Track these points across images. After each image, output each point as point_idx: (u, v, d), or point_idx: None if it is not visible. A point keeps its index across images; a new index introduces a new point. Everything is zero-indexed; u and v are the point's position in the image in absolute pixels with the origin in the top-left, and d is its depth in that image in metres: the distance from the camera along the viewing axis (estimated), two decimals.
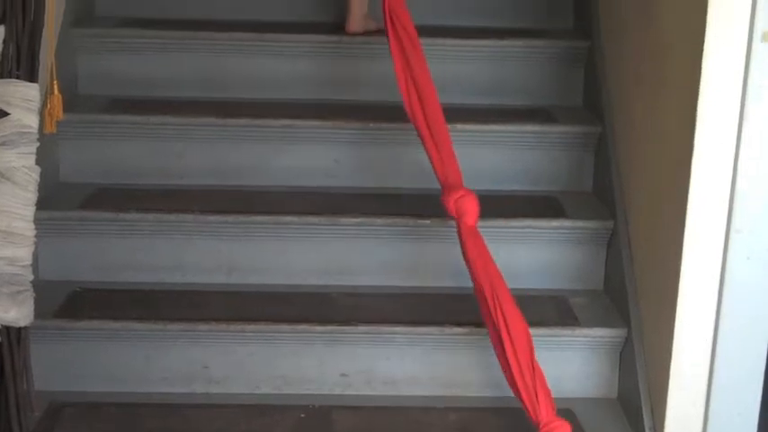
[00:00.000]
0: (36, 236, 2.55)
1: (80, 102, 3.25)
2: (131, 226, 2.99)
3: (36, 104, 2.57)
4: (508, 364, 2.45)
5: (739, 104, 2.38)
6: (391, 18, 2.79)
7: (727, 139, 2.40)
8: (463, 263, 2.69)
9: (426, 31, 3.38)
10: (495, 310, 2.48)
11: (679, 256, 2.49)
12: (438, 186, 2.80)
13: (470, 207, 2.66)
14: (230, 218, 3.00)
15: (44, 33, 2.64)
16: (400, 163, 3.19)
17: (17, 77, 2.54)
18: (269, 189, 3.19)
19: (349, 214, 3.01)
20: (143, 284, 2.99)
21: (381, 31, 2.94)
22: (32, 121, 2.55)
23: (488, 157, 3.25)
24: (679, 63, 2.53)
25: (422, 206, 3.05)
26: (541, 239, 3.05)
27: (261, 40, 3.37)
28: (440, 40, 3.38)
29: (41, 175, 2.58)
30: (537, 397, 2.42)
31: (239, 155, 3.20)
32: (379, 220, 3.00)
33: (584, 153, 3.25)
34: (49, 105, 2.74)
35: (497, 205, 3.11)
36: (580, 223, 3.04)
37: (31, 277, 2.55)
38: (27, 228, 2.53)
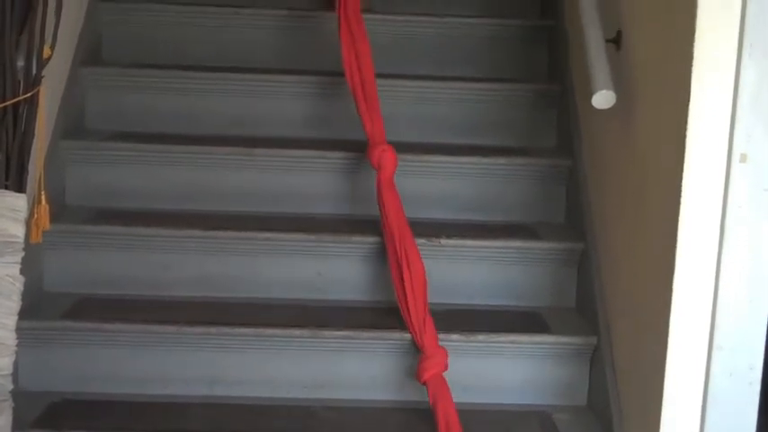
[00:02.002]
0: (17, 345, 2.54)
1: (67, 212, 3.27)
2: (114, 336, 2.98)
3: (23, 214, 2.59)
4: (405, 298, 2.94)
5: (719, 225, 2.41)
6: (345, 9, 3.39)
7: (708, 257, 2.42)
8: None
9: (412, 148, 3.46)
10: (401, 252, 2.99)
11: (662, 373, 2.48)
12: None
13: (389, 161, 3.17)
14: (214, 329, 2.99)
15: (34, 144, 2.68)
16: (384, 277, 3.20)
17: (5, 187, 2.56)
18: (253, 301, 3.19)
19: (332, 327, 3.01)
20: (125, 395, 2.96)
21: None
22: (19, 231, 2.57)
23: (473, 273, 3.26)
24: (659, 183, 2.56)
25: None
26: (525, 355, 3.04)
27: (249, 155, 3.41)
28: (425, 157, 3.43)
29: (25, 284, 2.58)
30: (425, 327, 2.89)
31: (224, 267, 3.22)
32: (364, 334, 3.00)
33: (567, 269, 3.27)
34: (35, 215, 2.76)
35: (481, 320, 3.12)
36: (563, 339, 3.04)
37: (11, 387, 2.53)
38: (8, 337, 2.53)
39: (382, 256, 3.16)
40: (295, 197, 3.43)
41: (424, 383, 2.86)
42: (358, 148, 3.36)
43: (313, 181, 3.42)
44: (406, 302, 2.93)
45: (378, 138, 3.22)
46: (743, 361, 2.46)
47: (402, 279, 2.96)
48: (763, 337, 2.45)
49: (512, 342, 3.03)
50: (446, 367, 2.88)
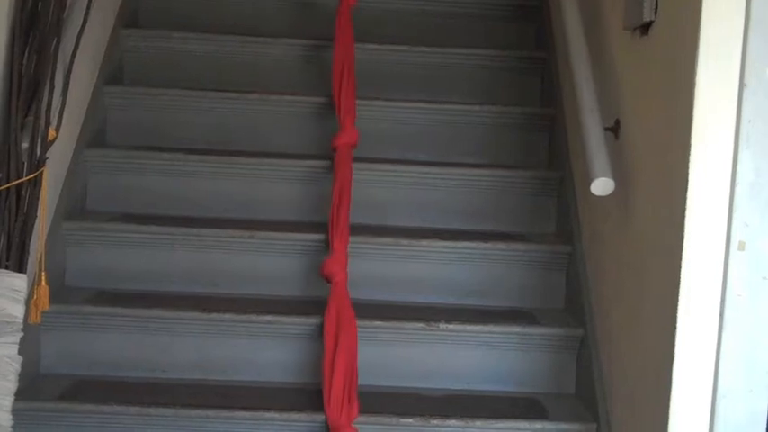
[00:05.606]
0: (13, 426, 2.52)
1: (67, 293, 3.27)
2: (111, 419, 2.96)
3: (23, 295, 2.59)
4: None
5: (719, 312, 2.40)
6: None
7: (708, 346, 2.41)
8: None
9: (412, 233, 3.47)
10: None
11: None
12: (417, 390, 2.94)
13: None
14: (212, 413, 2.97)
15: (36, 225, 2.69)
16: (387, 363, 3.19)
17: (6, 267, 2.57)
18: (253, 384, 3.18)
19: None
20: None
21: None
22: (18, 312, 2.57)
23: (471, 358, 3.25)
24: (658, 271, 2.57)
25: (407, 405, 3.04)
26: None
27: (250, 238, 3.42)
28: (425, 242, 3.44)
29: (22, 364, 2.58)
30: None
31: (223, 349, 3.21)
32: (361, 418, 2.98)
33: (566, 355, 3.26)
34: (35, 296, 2.76)
35: (480, 406, 3.10)
36: (562, 426, 3.01)
37: None
38: (4, 418, 2.52)
39: (382, 337, 3.16)
40: (296, 280, 3.44)
41: None
42: (359, 233, 3.38)
43: (314, 264, 3.43)
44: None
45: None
46: None
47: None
48: (764, 426, 2.44)
49: (510, 428, 3.00)
50: None
